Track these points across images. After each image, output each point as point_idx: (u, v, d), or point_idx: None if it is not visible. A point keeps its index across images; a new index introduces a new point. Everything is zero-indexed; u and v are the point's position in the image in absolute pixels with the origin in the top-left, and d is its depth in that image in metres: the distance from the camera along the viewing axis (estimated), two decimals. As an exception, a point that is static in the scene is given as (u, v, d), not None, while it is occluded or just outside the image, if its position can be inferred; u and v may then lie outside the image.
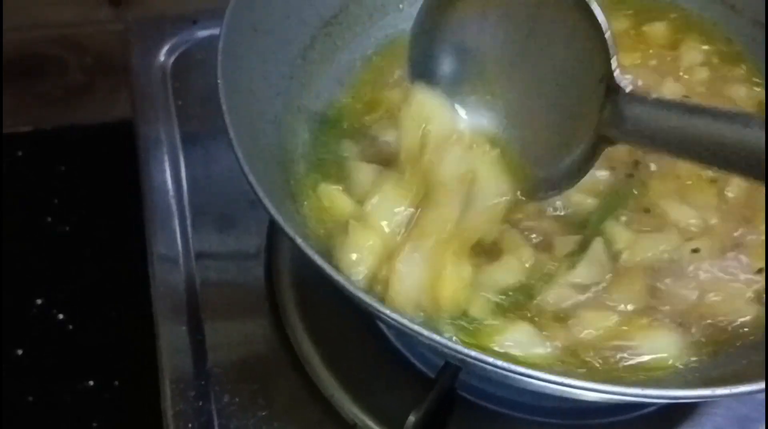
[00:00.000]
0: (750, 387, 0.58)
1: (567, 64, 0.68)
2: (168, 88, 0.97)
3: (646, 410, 0.79)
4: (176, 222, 0.88)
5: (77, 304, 0.99)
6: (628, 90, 0.63)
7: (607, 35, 0.63)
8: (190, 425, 0.74)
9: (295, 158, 0.78)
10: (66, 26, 1.15)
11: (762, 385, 0.58)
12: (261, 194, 0.62)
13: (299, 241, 0.60)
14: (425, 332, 0.59)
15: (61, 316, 0.98)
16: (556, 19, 0.67)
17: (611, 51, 0.63)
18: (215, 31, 0.74)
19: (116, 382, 0.94)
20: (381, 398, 0.77)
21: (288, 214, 0.70)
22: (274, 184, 0.71)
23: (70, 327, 0.98)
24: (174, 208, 0.89)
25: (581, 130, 0.67)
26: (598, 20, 0.63)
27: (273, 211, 0.62)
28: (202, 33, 1.02)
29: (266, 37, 0.78)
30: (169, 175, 0.91)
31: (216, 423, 0.75)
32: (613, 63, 0.63)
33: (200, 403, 0.76)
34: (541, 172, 0.70)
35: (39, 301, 0.99)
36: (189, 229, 0.88)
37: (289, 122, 0.79)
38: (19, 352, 0.95)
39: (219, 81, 0.67)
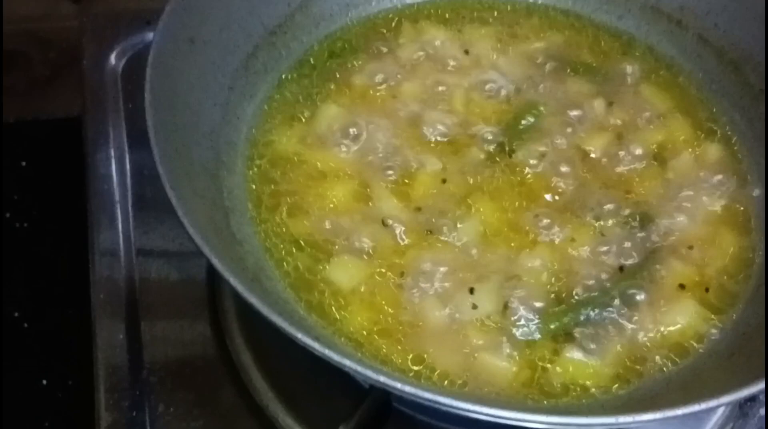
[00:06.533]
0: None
1: None
2: (118, 88, 0.97)
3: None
4: (119, 217, 0.88)
5: (33, 302, 0.99)
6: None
7: None
8: (122, 436, 0.75)
9: (233, 168, 0.78)
10: (30, 21, 1.15)
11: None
12: (189, 227, 0.62)
13: (216, 262, 0.60)
14: (350, 363, 0.60)
15: (16, 314, 0.98)
16: None
17: None
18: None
19: (70, 382, 0.93)
20: (316, 409, 0.77)
21: (217, 231, 0.70)
22: (205, 198, 0.71)
23: (25, 325, 0.97)
24: (117, 202, 0.89)
25: None
26: None
27: (196, 236, 0.61)
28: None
29: (205, 47, 0.77)
30: (114, 172, 0.91)
31: (149, 433, 0.76)
32: None
33: (134, 413, 0.76)
34: None
35: (-6, 300, 0.98)
36: (131, 225, 0.88)
37: (227, 133, 0.79)
38: (-27, 350, 0.95)
39: (146, 96, 0.66)
